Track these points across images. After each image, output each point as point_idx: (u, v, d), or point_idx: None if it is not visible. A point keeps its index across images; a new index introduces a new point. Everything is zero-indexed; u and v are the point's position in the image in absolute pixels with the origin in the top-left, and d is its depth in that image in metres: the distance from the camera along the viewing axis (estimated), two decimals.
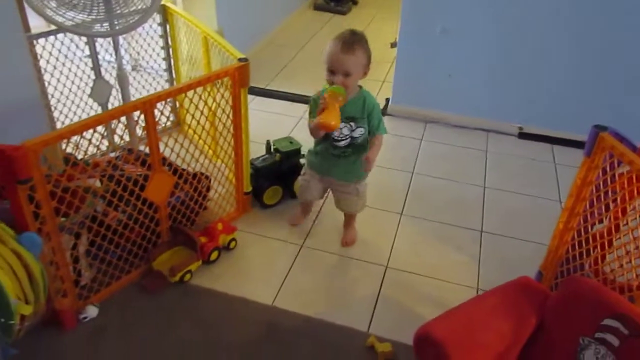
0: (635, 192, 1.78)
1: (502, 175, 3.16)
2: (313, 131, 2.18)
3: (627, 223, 1.92)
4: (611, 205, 1.91)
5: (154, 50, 3.09)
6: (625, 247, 1.87)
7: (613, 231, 1.90)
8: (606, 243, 1.94)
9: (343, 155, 2.25)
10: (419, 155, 3.31)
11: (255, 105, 3.67)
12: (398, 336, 2.08)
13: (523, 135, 3.55)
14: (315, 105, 2.18)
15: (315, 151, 2.36)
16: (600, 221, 2.00)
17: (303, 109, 3.61)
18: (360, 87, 2.20)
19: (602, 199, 1.94)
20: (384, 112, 3.75)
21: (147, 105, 1.96)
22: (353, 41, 2.04)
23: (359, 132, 2.19)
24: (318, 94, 2.21)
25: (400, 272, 2.44)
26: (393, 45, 3.86)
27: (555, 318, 1.68)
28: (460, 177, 3.11)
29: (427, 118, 3.68)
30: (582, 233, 2.05)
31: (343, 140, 2.21)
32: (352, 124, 2.16)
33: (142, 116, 1.99)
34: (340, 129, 2.15)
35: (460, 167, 3.22)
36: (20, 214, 1.74)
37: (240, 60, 2.30)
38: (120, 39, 2.58)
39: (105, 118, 1.94)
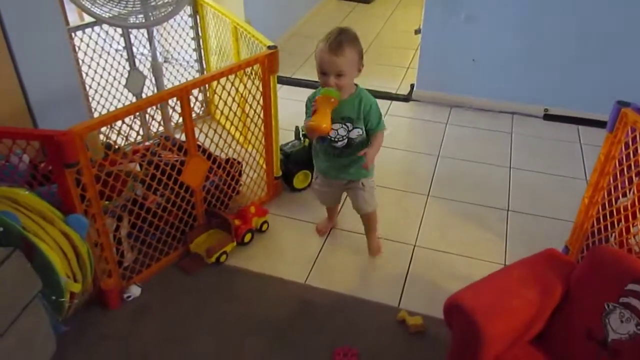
0: None
1: (528, 155, 3.20)
2: (308, 132, 2.09)
3: None
4: (634, 179, 1.95)
5: (184, 41, 3.19)
6: None
7: (637, 203, 1.93)
8: (630, 215, 1.98)
9: (344, 155, 2.18)
10: (445, 139, 3.36)
11: (283, 94, 3.75)
12: (428, 310, 2.15)
13: (548, 117, 3.57)
14: (311, 105, 2.10)
15: (317, 153, 2.29)
16: (624, 194, 2.04)
17: None
18: (357, 85, 2.12)
19: (626, 173, 1.98)
20: (409, 98, 3.81)
21: (183, 92, 2.06)
22: (341, 41, 1.95)
23: (356, 133, 2.10)
24: (314, 94, 2.12)
25: (428, 250, 2.50)
26: (417, 31, 3.89)
27: (580, 286, 1.73)
28: (485, 159, 3.16)
29: (452, 102, 3.72)
30: (607, 206, 2.09)
31: (340, 141, 2.13)
32: (348, 124, 2.08)
33: (178, 103, 2.09)
34: (336, 129, 2.09)
35: (486, 149, 3.26)
36: (68, 196, 1.85)
37: (269, 47, 2.38)
38: (154, 30, 2.67)
39: (144, 105, 2.04)
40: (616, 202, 2.07)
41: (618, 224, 2.04)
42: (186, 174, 2.23)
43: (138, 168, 2.21)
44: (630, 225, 2.02)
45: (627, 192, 2.04)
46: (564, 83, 3.46)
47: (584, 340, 1.69)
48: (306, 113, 2.16)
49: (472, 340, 1.62)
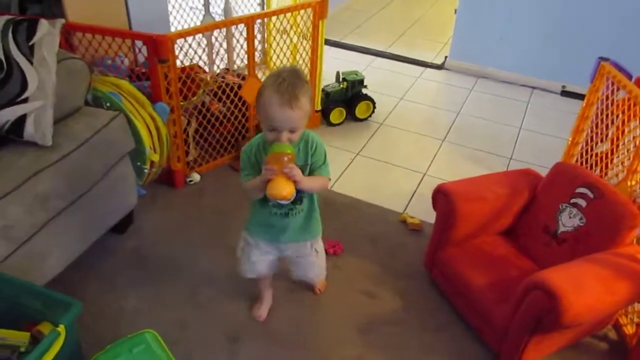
0: (627, 104, 2.27)
1: (539, 121, 3.65)
2: (250, 192, 1.76)
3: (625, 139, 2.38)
4: (608, 124, 2.38)
5: None
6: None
7: (620, 136, 2.34)
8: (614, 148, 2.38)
9: (291, 214, 1.83)
10: (467, 101, 3.84)
11: (332, 54, 4.29)
12: (426, 218, 2.64)
13: (565, 93, 3.99)
14: (248, 160, 1.75)
15: (255, 220, 1.90)
16: (602, 140, 2.45)
17: (370, 58, 4.28)
18: None
19: (602, 113, 2.39)
20: (441, 66, 4.29)
21: (249, 20, 2.62)
22: (295, 89, 1.57)
23: None
24: (250, 147, 1.76)
25: (436, 178, 2.99)
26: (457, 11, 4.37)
27: (543, 192, 2.21)
28: (500, 120, 3.63)
29: (478, 73, 4.18)
30: (584, 145, 2.54)
31: None
32: None
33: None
34: None
35: (502, 112, 3.72)
36: (157, 87, 2.43)
37: None
38: None
39: (221, 24, 2.61)
40: (594, 141, 2.50)
41: (592, 163, 2.46)
42: (244, 90, 2.79)
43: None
44: (606, 167, 2.42)
45: (604, 137, 2.47)
46: (583, 62, 3.85)
47: (540, 233, 2.17)
48: (242, 169, 1.78)
49: (449, 215, 2.12)
